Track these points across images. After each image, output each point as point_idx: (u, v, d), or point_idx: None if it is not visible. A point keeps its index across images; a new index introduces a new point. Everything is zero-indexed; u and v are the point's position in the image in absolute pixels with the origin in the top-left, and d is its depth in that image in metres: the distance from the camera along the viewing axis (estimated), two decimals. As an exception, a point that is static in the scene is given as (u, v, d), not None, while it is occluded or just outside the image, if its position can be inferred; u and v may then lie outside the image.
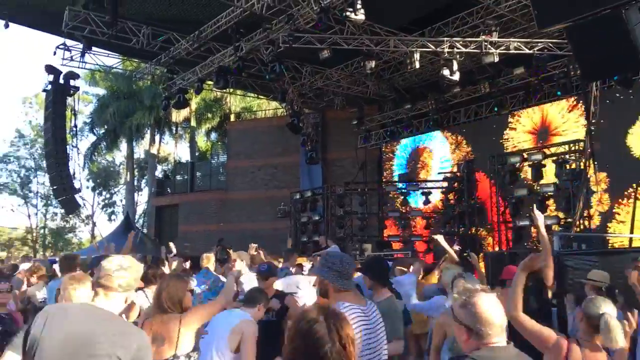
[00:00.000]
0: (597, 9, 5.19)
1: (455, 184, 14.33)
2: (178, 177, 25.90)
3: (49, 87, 14.46)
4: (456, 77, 12.02)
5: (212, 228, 20.99)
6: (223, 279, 6.56)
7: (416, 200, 16.00)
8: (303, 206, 16.92)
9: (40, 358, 2.32)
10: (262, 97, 20.96)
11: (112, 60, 17.17)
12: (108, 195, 41.97)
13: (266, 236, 18.18)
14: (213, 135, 32.42)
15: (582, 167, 11.36)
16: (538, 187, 12.16)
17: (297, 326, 1.77)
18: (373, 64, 13.05)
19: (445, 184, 15.00)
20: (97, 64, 16.14)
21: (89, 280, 3.44)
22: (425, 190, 15.55)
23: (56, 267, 7.53)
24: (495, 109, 15.17)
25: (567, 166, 11.55)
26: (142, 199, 36.74)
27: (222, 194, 22.24)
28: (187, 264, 8.13)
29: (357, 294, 3.12)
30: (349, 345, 1.72)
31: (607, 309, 3.20)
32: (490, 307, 2.17)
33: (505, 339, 2.22)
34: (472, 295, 2.20)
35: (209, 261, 7.09)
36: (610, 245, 11.35)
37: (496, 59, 12.02)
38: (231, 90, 19.39)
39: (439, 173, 16.52)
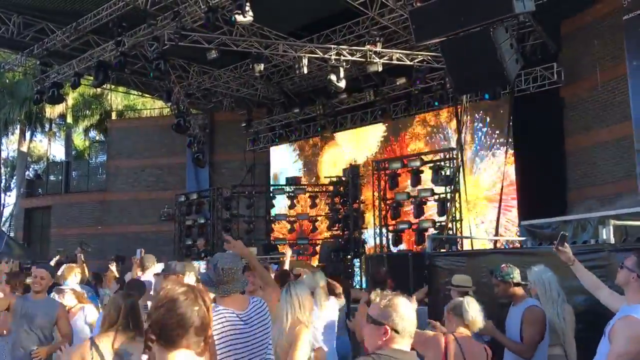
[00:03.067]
0: (467, 27, 5.58)
1: (341, 188, 14.67)
2: (52, 177, 24.14)
3: None
4: (342, 84, 12.35)
5: (89, 231, 19.81)
6: None
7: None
8: (188, 209, 16.51)
9: None
10: (146, 95, 20.15)
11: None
12: (-30, 196, 38.23)
13: (149, 240, 17.52)
14: (92, 134, 30.65)
15: (453, 173, 12.14)
16: (416, 192, 12.80)
17: (162, 294, 1.86)
18: (262, 67, 13.03)
19: (331, 188, 15.31)
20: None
21: None
22: (312, 193, 15.82)
23: None
24: (380, 113, 15.86)
25: (442, 172, 12.26)
26: (10, 200, 33.85)
27: (101, 195, 21.07)
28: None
29: (237, 299, 3.06)
30: (210, 312, 1.85)
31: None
32: (408, 308, 2.32)
33: (410, 346, 2.33)
34: (394, 297, 2.34)
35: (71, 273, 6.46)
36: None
37: (380, 69, 12.52)
38: (112, 86, 18.48)
39: (325, 177, 16.87)
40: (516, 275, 4.32)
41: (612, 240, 4.60)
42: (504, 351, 4.26)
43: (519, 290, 4.33)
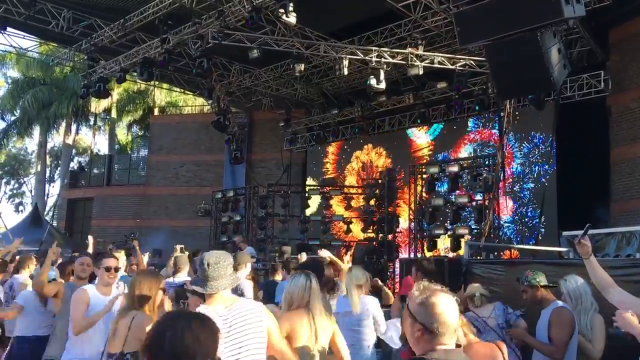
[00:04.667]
0: (514, 30, 5.47)
1: (377, 191, 14.61)
2: (95, 170, 24.82)
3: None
4: (382, 86, 12.29)
5: (128, 224, 20.26)
6: None
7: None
8: (225, 206, 16.70)
9: None
10: (188, 92, 20.49)
11: (28, 42, 16.23)
12: (17, 185, 39.72)
13: (186, 234, 17.80)
14: (134, 129, 31.36)
15: (493, 180, 11.92)
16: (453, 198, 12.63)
17: (153, 326, 1.79)
18: (302, 67, 13.08)
19: (367, 191, 15.26)
20: (12, 46, 15.23)
21: None
22: (348, 195, 15.80)
23: None
24: (418, 120, 15.72)
25: (480, 178, 12.06)
26: (55, 190, 34.96)
27: (141, 189, 21.55)
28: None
29: (225, 298, 2.98)
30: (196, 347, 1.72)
31: None
32: (448, 308, 2.15)
33: (455, 343, 2.20)
34: (432, 294, 2.17)
35: None
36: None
37: (421, 72, 12.39)
38: (156, 83, 18.86)
39: (362, 179, 16.85)
40: (542, 279, 4.36)
41: (660, 255, 4.44)
42: (532, 353, 4.22)
43: (547, 294, 4.35)
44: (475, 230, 12.03)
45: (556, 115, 12.68)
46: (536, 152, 13.66)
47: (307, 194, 16.01)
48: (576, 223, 9.94)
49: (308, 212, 15.84)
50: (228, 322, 2.90)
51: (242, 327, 2.92)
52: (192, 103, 25.16)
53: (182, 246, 7.67)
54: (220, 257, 2.97)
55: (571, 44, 11.78)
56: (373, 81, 12.19)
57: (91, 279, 5.24)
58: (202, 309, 2.92)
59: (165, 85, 20.10)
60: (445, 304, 2.14)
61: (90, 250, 7.76)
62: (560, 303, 4.25)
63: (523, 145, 13.90)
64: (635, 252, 6.85)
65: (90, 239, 7.94)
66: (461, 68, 12.81)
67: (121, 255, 6.84)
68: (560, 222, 12.32)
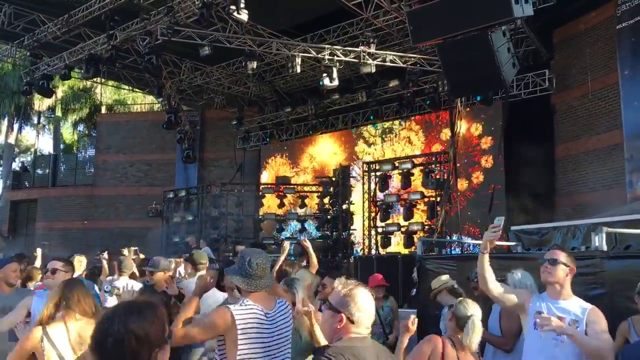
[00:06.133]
0: (465, 30, 5.57)
1: (331, 189, 14.64)
2: (39, 171, 23.89)
3: None
4: (335, 84, 12.32)
5: (75, 225, 19.66)
6: None
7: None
8: (177, 206, 16.39)
9: None
10: (137, 90, 19.97)
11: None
12: (-46, 187, 37.80)
13: (136, 236, 17.37)
14: (81, 127, 30.37)
15: (445, 177, 12.15)
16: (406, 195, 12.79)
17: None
18: (255, 64, 12.97)
19: (321, 188, 15.26)
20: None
21: None
22: (303, 193, 15.78)
23: None
24: (371, 117, 15.86)
25: (433, 176, 12.27)
26: (-5, 192, 33.42)
27: (89, 190, 20.87)
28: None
29: (265, 297, 3.02)
30: (132, 341, 1.60)
31: (475, 311, 3.42)
32: (368, 300, 2.33)
33: (369, 332, 2.35)
34: (354, 287, 2.34)
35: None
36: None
37: (373, 70, 12.50)
38: (102, 80, 18.31)
39: (316, 177, 16.85)
40: None
41: (605, 248, 4.60)
42: (485, 346, 4.30)
43: None
44: (428, 227, 12.24)
45: (504, 113, 13.01)
46: (484, 148, 13.98)
47: (261, 193, 15.91)
48: (523, 218, 10.28)
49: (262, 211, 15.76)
50: (273, 323, 2.95)
51: (284, 326, 3.03)
52: (142, 101, 24.56)
53: (136, 248, 7.47)
54: (263, 256, 3.05)
55: (517, 44, 12.12)
56: (326, 80, 12.21)
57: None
58: (250, 305, 2.92)
59: (112, 83, 19.53)
60: (366, 296, 2.33)
61: (38, 263, 7.44)
62: None
63: (471, 141, 14.20)
64: (580, 245, 7.07)
65: (39, 251, 7.66)
66: (412, 66, 12.99)
67: (82, 259, 6.56)
68: (508, 217, 12.66)
